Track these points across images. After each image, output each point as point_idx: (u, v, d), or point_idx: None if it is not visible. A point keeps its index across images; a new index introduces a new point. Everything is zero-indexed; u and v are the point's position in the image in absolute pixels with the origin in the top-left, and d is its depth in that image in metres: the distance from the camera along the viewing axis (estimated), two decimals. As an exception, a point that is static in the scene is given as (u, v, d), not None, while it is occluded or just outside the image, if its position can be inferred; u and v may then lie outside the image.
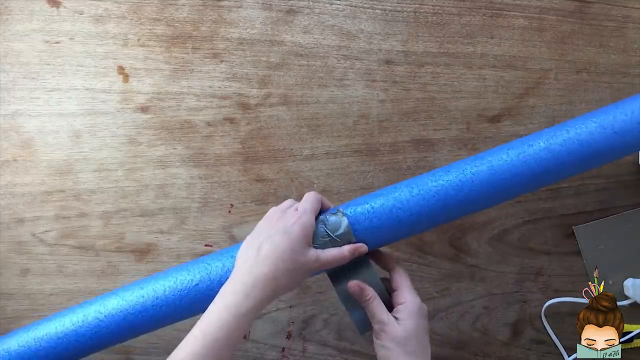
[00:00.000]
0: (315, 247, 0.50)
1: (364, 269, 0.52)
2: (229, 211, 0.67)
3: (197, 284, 0.53)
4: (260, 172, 0.67)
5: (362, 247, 0.51)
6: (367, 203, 0.52)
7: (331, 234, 0.51)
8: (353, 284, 0.51)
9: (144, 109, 0.67)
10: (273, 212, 0.52)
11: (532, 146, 0.53)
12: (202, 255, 0.66)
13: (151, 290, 0.53)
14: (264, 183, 0.67)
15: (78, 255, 0.66)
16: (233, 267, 0.51)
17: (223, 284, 0.49)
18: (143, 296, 0.53)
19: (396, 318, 0.50)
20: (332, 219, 0.52)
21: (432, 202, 0.52)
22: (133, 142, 0.66)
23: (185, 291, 0.53)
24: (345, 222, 0.51)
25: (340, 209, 0.53)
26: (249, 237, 0.51)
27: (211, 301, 0.49)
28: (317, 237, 0.51)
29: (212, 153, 0.67)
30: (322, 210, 0.53)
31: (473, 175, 0.52)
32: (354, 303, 0.52)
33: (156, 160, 0.66)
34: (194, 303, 0.53)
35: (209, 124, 0.67)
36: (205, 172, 0.67)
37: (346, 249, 0.50)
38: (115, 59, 0.67)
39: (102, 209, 0.66)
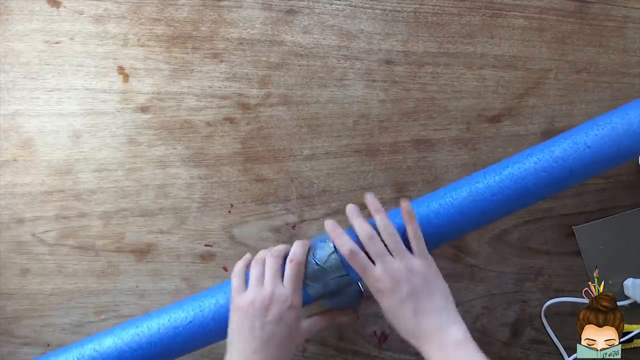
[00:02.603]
0: (306, 281, 0.53)
1: (349, 288, 0.56)
2: (229, 211, 0.67)
3: (191, 322, 0.54)
4: (260, 172, 0.67)
5: (344, 316, 0.57)
6: (351, 233, 0.54)
7: (320, 264, 0.53)
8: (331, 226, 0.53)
9: (144, 109, 0.67)
10: (241, 276, 0.53)
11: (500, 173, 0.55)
12: (202, 255, 0.66)
13: (145, 328, 0.54)
14: (264, 183, 0.67)
15: (78, 255, 0.66)
16: (226, 302, 0.53)
17: (215, 319, 0.51)
18: (138, 334, 0.54)
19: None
20: (319, 251, 0.54)
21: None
22: (133, 142, 0.66)
23: (180, 328, 0.54)
24: (333, 253, 0.53)
25: (328, 240, 0.54)
26: (238, 320, 0.51)
27: (204, 338, 0.51)
28: (307, 269, 0.53)
29: (212, 153, 0.67)
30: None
31: (453, 200, 0.54)
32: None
33: (156, 160, 0.66)
34: (187, 340, 0.54)
35: (209, 124, 0.67)
36: (205, 172, 0.67)
37: (329, 317, 0.56)
38: (115, 59, 0.67)
39: (102, 209, 0.66)
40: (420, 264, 0.51)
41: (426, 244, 0.52)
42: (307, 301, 0.55)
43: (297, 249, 0.53)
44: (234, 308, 0.52)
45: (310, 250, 0.54)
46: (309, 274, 0.53)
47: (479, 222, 0.55)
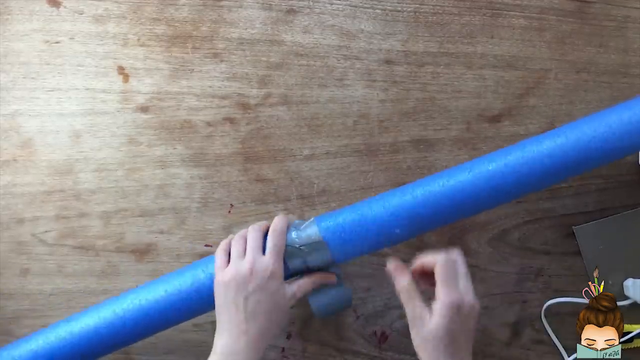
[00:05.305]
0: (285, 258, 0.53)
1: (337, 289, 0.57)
2: (229, 211, 0.67)
3: (171, 294, 0.55)
4: (260, 172, 0.67)
5: (332, 277, 0.55)
6: (339, 217, 0.55)
7: (299, 242, 0.54)
8: (393, 265, 0.51)
9: (144, 109, 0.67)
10: (223, 257, 0.54)
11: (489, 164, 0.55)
12: (202, 255, 0.66)
13: (129, 303, 0.55)
14: (264, 183, 0.67)
15: (78, 255, 0.66)
16: (207, 275, 0.54)
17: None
18: (117, 311, 0.55)
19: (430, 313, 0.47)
20: (300, 231, 0.54)
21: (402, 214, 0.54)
22: (133, 142, 0.66)
23: (160, 302, 0.55)
24: (317, 234, 0.54)
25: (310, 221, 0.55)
26: (223, 294, 0.52)
27: (186, 310, 0.53)
28: (286, 247, 0.54)
29: (212, 153, 0.67)
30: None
31: (443, 188, 0.54)
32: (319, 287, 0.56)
33: (156, 160, 0.66)
34: (167, 313, 0.55)
35: (209, 124, 0.67)
36: (205, 172, 0.67)
37: (318, 277, 0.55)
38: (115, 59, 0.67)
39: (102, 209, 0.66)
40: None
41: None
42: (287, 275, 0.55)
43: (277, 220, 0.55)
44: (217, 284, 0.52)
45: (291, 228, 0.55)
46: (287, 251, 0.53)
47: (457, 215, 0.56)
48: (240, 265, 0.52)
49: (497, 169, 0.53)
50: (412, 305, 0.47)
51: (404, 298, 0.48)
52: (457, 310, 0.46)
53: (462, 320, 0.46)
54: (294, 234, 0.54)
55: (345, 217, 0.55)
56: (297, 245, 0.53)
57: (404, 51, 0.68)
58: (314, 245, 0.53)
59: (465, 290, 0.47)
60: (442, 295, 0.46)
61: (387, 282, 0.66)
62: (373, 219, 0.54)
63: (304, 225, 0.55)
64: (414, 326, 0.47)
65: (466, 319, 0.46)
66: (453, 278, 0.47)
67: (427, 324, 0.46)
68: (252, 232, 0.54)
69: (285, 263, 0.54)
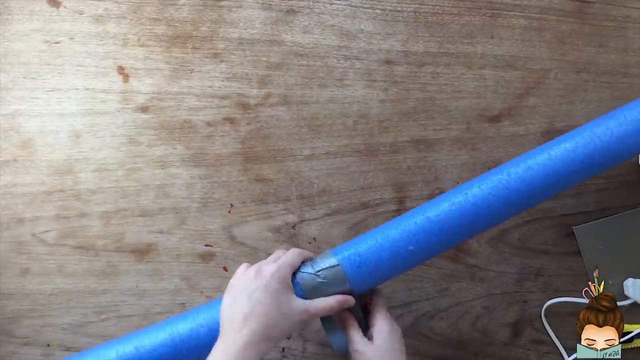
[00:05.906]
0: (300, 289, 0.52)
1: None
2: (229, 211, 0.67)
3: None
4: (260, 172, 0.67)
5: (351, 300, 0.54)
6: (352, 247, 0.54)
7: (320, 276, 0.53)
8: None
9: (144, 109, 0.67)
10: (246, 268, 0.54)
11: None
12: (202, 255, 0.66)
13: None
14: (264, 183, 0.67)
15: (78, 255, 0.66)
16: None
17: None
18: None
19: (370, 340, 0.53)
20: (320, 261, 0.54)
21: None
22: (133, 142, 0.66)
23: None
24: (333, 261, 0.53)
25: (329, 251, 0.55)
26: (228, 296, 0.52)
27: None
28: (305, 279, 0.53)
29: (212, 153, 0.67)
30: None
31: (452, 205, 0.54)
32: (334, 328, 0.55)
33: (156, 160, 0.66)
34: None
35: (209, 124, 0.67)
36: (205, 172, 0.67)
37: (334, 300, 0.53)
38: (115, 59, 0.67)
39: (102, 209, 0.66)
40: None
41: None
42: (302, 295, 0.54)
43: (296, 249, 0.56)
44: (228, 287, 0.53)
45: (306, 261, 0.55)
46: (305, 278, 0.53)
47: (468, 233, 0.56)
48: (249, 271, 0.52)
49: (502, 178, 0.54)
50: (356, 338, 0.53)
51: (349, 333, 0.54)
52: (393, 332, 0.54)
53: (398, 340, 0.54)
54: (309, 265, 0.54)
55: (359, 244, 0.54)
56: (313, 272, 0.53)
57: (404, 51, 0.68)
58: (330, 271, 0.53)
59: (391, 317, 0.55)
60: (381, 322, 0.54)
61: (386, 282, 0.66)
62: (387, 240, 0.54)
63: (319, 256, 0.55)
64: (360, 354, 0.52)
65: (399, 339, 0.54)
66: (386, 309, 0.55)
67: (372, 349, 0.52)
68: (275, 252, 0.55)
69: (304, 297, 0.53)
